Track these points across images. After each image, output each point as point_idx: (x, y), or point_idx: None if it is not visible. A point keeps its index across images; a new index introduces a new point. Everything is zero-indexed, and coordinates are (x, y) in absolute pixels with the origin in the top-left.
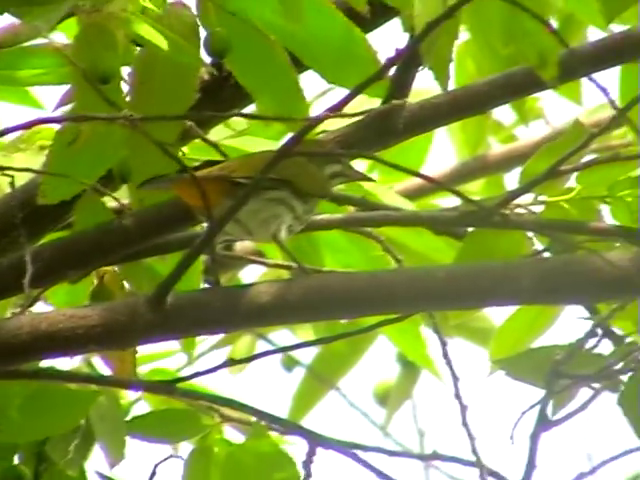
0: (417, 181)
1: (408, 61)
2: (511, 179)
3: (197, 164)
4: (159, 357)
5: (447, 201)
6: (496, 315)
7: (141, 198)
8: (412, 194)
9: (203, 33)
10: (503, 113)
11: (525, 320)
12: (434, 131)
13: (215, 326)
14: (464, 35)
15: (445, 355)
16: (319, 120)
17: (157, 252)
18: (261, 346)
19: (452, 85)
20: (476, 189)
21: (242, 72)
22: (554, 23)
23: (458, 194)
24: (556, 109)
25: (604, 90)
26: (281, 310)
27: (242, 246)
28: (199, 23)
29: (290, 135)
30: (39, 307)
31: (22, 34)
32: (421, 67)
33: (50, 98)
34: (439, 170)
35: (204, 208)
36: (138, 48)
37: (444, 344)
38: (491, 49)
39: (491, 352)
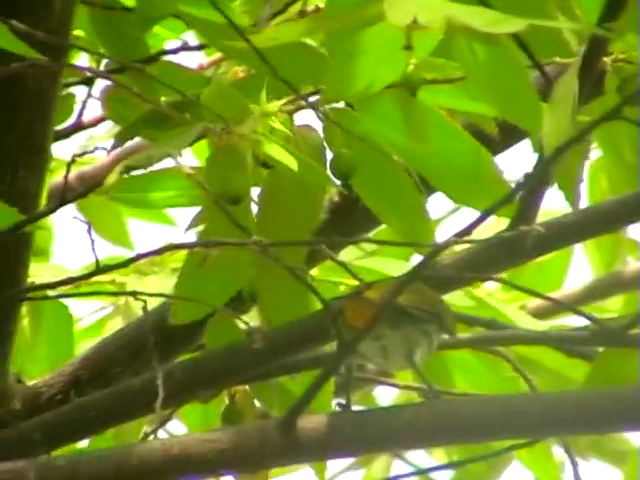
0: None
1: (537, 182)
2: None
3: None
4: (290, 470)
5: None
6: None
7: (270, 319)
8: (545, 312)
9: (329, 154)
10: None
11: None
12: (573, 248)
13: (345, 451)
14: (597, 152)
15: (576, 477)
16: (446, 245)
17: (286, 371)
18: (397, 466)
19: (585, 202)
20: (614, 306)
21: (368, 194)
22: None
23: (584, 315)
24: None
25: None
26: (410, 436)
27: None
28: (325, 145)
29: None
30: (172, 425)
31: (153, 157)
32: (550, 186)
33: (182, 215)
34: (575, 286)
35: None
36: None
37: (575, 465)
38: (624, 166)
39: (625, 476)
